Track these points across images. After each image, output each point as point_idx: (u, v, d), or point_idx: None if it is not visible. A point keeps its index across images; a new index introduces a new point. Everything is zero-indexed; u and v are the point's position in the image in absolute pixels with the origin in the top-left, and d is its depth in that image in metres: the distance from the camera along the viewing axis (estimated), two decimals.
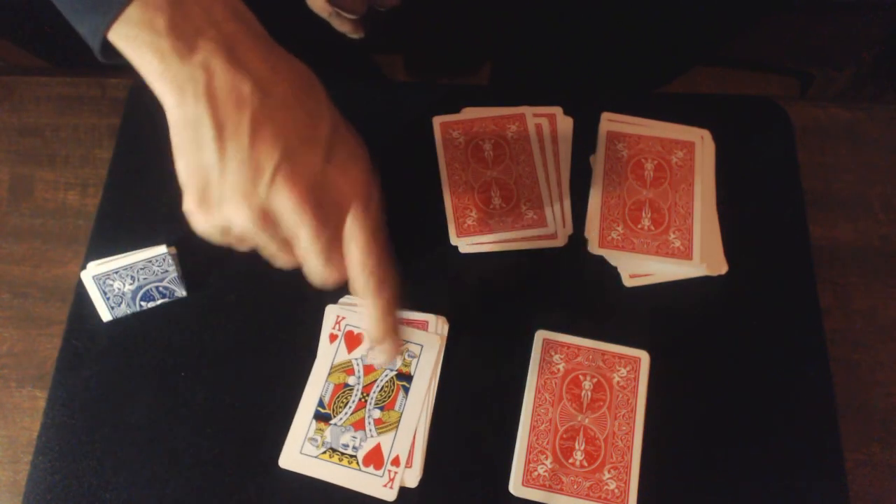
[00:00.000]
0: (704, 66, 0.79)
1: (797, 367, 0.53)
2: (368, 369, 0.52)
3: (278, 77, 0.38)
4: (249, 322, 0.54)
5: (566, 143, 0.60)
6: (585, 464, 0.50)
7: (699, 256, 0.56)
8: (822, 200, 0.60)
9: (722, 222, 0.58)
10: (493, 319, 0.54)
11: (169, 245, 0.54)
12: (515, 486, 0.49)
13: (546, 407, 0.51)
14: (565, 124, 0.61)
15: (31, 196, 0.60)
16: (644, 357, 0.53)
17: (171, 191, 0.58)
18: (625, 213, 0.57)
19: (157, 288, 0.54)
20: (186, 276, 0.55)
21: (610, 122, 0.61)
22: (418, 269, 0.56)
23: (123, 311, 0.54)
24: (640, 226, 0.57)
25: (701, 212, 0.57)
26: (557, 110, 0.61)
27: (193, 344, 0.53)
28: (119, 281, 0.53)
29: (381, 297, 0.42)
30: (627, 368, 0.52)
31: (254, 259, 0.56)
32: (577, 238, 0.57)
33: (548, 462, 0.50)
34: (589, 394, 0.52)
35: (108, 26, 0.36)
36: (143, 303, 0.54)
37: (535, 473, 0.50)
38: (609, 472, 0.50)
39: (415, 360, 0.52)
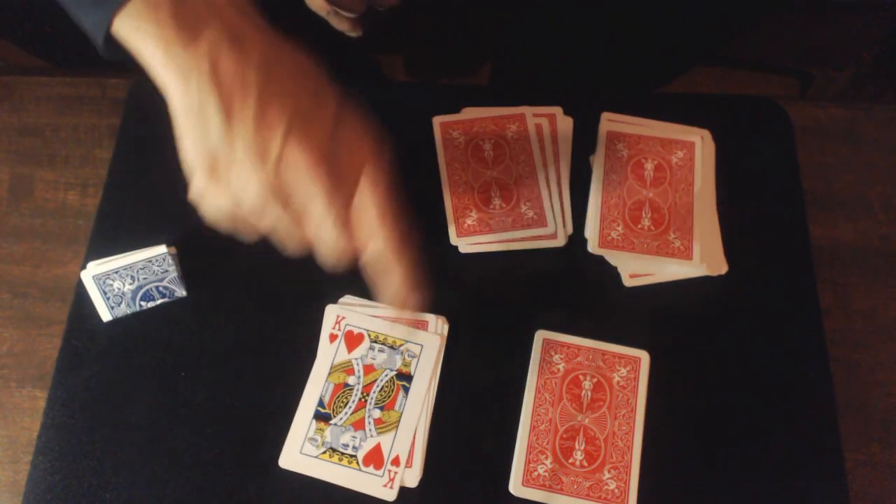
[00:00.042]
0: (704, 66, 0.79)
1: (797, 367, 0.53)
2: (368, 369, 0.52)
3: (282, 63, 0.38)
4: (249, 322, 0.54)
5: (566, 143, 0.60)
6: (585, 464, 0.50)
7: (699, 256, 0.56)
8: (822, 200, 0.60)
9: (722, 222, 0.58)
10: (493, 319, 0.54)
11: (169, 245, 0.54)
12: (515, 486, 0.49)
13: (546, 407, 0.51)
14: (565, 124, 0.61)
15: (31, 196, 0.60)
16: (644, 357, 0.53)
17: (171, 191, 0.58)
18: (625, 212, 0.57)
19: (157, 288, 0.54)
20: (186, 276, 0.55)
21: (610, 122, 0.61)
22: (418, 269, 0.56)
23: (123, 310, 0.54)
24: (640, 226, 0.57)
25: (701, 212, 0.57)
26: (557, 110, 0.61)
27: (193, 344, 0.53)
28: (119, 281, 0.53)
29: (399, 265, 0.41)
30: (627, 368, 0.52)
31: (254, 259, 0.56)
32: (577, 238, 0.57)
33: (548, 462, 0.50)
34: (589, 394, 0.52)
35: (112, 19, 0.36)
36: (143, 303, 0.54)
37: (535, 473, 0.50)
38: (609, 472, 0.50)
39: (415, 360, 0.52)
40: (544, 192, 0.58)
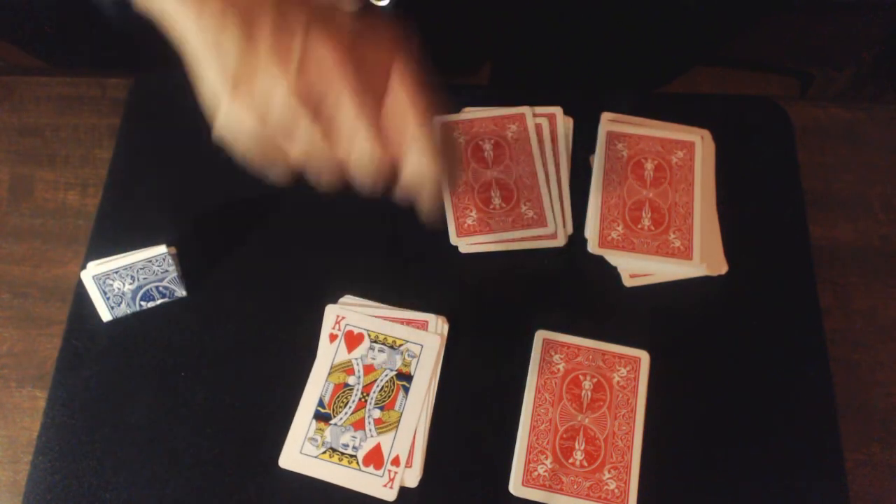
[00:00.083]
0: (704, 66, 0.79)
1: (797, 367, 0.53)
2: (368, 369, 0.52)
3: None
4: (249, 322, 0.54)
5: (566, 143, 0.60)
6: (585, 464, 0.50)
7: (699, 256, 0.56)
8: (822, 200, 0.60)
9: (722, 222, 0.58)
10: (493, 319, 0.54)
11: (169, 245, 0.54)
12: (515, 486, 0.49)
13: (546, 407, 0.51)
14: (565, 124, 0.61)
15: (31, 196, 0.60)
16: (644, 357, 0.53)
17: (171, 191, 0.58)
18: (625, 212, 0.57)
19: (157, 288, 0.54)
20: (186, 276, 0.55)
21: (610, 122, 0.61)
22: (418, 269, 0.56)
23: (123, 310, 0.54)
24: (640, 226, 0.57)
25: (701, 212, 0.57)
26: (557, 110, 0.61)
27: (193, 344, 0.53)
28: (119, 281, 0.53)
29: (438, 157, 0.39)
30: (627, 368, 0.52)
31: (254, 259, 0.56)
32: (577, 238, 0.57)
33: (548, 462, 0.50)
34: (589, 394, 0.52)
35: None
36: (143, 303, 0.54)
37: (535, 473, 0.50)
38: (609, 472, 0.50)
39: (415, 360, 0.52)
40: (544, 192, 0.58)
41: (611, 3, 0.70)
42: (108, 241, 0.56)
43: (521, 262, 0.56)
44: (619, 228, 0.57)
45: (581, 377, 0.52)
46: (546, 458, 0.50)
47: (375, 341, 0.53)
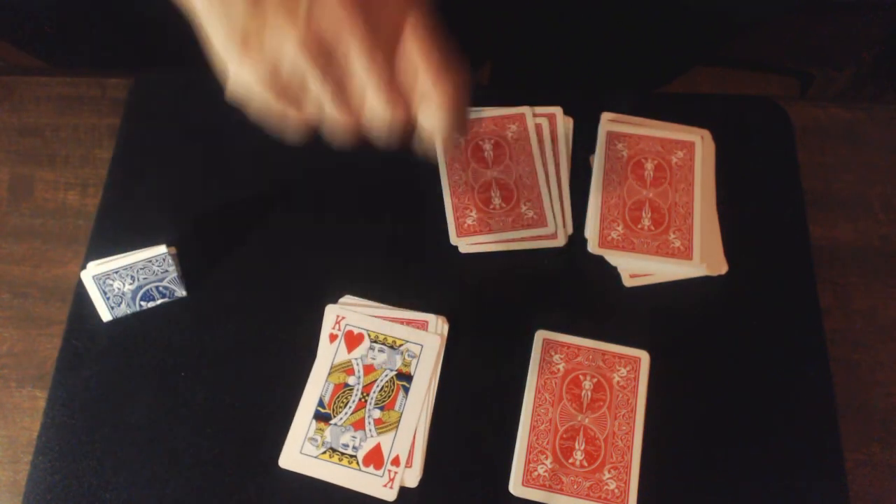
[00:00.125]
0: (704, 66, 0.79)
1: (797, 367, 0.53)
2: (368, 369, 0.52)
3: None
4: (249, 322, 0.54)
5: (566, 143, 0.60)
6: (585, 464, 0.50)
7: (699, 256, 0.56)
8: (822, 200, 0.60)
9: (722, 222, 0.58)
10: (493, 319, 0.54)
11: (169, 245, 0.54)
12: (515, 486, 0.49)
13: (546, 407, 0.51)
14: (565, 124, 0.61)
15: (31, 196, 0.61)
16: (644, 357, 0.53)
17: (171, 191, 0.58)
18: (625, 212, 0.57)
19: (157, 288, 0.54)
20: (186, 276, 0.55)
21: (610, 122, 0.61)
22: (418, 269, 0.56)
23: (123, 310, 0.54)
24: (640, 226, 0.57)
25: (701, 212, 0.57)
26: (557, 110, 0.61)
27: (193, 344, 0.53)
28: (119, 281, 0.53)
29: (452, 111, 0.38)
30: (627, 368, 0.52)
31: (254, 259, 0.56)
32: (577, 238, 0.57)
33: (548, 462, 0.50)
34: (589, 394, 0.52)
35: None
36: (143, 303, 0.54)
37: (535, 473, 0.50)
38: (609, 472, 0.50)
39: (415, 360, 0.52)
40: (544, 192, 0.58)
41: (611, 4, 0.70)
42: (108, 241, 0.56)
43: (521, 262, 0.56)
44: (619, 228, 0.57)
45: (581, 377, 0.52)
46: (546, 458, 0.50)
47: (375, 341, 0.53)
